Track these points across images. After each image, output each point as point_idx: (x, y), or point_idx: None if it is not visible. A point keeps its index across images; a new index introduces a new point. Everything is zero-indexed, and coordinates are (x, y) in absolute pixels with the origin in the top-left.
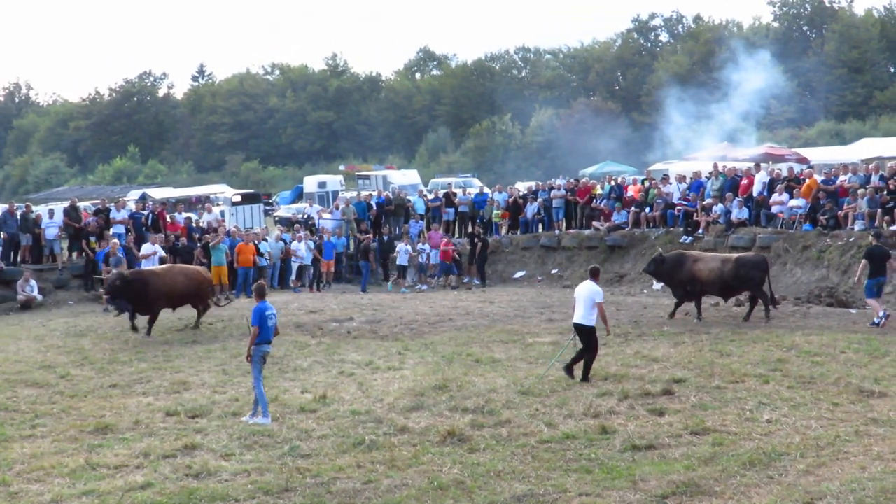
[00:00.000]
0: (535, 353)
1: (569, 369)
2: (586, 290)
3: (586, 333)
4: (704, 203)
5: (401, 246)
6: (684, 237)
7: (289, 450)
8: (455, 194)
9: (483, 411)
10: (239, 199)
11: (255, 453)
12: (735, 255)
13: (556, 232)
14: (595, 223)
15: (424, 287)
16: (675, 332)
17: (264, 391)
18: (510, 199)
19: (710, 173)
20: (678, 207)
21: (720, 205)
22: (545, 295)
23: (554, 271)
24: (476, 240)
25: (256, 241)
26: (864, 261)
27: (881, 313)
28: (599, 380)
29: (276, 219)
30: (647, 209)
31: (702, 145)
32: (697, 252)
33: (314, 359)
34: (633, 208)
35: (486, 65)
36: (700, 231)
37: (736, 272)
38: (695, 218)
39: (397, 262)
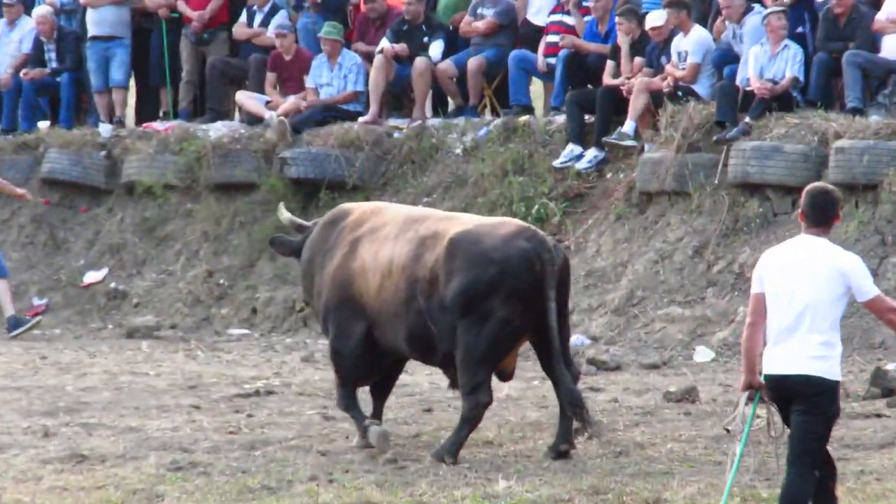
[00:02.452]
0: None
1: None
2: (823, 265)
3: (822, 404)
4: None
5: None
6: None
7: None
8: None
9: None
10: None
11: None
12: (457, 227)
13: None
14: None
15: None
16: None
17: None
18: None
19: None
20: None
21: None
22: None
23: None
24: None
25: None
26: None
27: None
28: None
29: None
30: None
31: None
32: (375, 207)
33: None
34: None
35: None
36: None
37: (435, 280)
38: (669, 81)
39: None
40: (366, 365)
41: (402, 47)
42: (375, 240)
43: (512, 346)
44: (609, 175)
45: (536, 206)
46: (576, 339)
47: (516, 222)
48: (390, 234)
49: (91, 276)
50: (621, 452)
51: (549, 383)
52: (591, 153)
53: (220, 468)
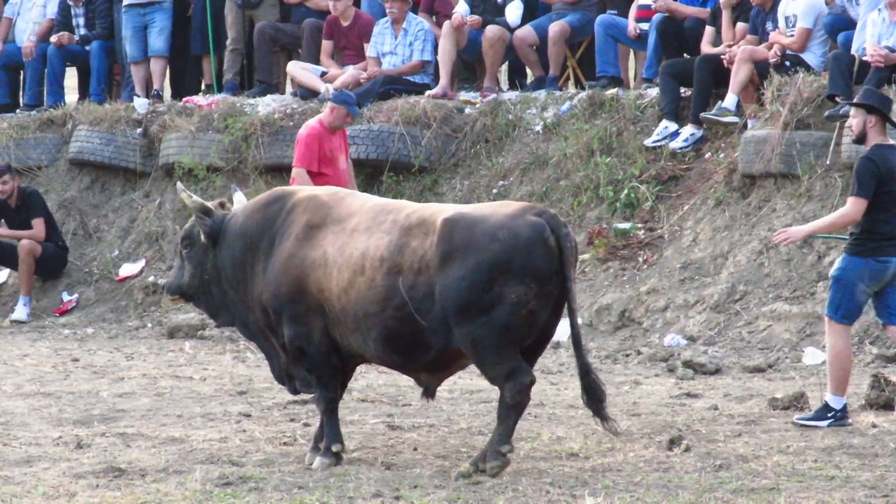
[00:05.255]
0: None
1: None
2: None
3: None
4: None
5: None
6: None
7: None
8: None
9: None
10: None
11: None
12: (450, 210)
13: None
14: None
15: None
16: None
17: None
18: None
19: None
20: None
21: None
22: None
23: None
24: None
25: None
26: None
27: None
28: None
29: None
30: None
31: None
32: (332, 192)
33: None
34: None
35: None
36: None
37: (425, 268)
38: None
39: None
40: (337, 362)
41: (473, 19)
42: (341, 231)
43: (530, 332)
44: (707, 155)
45: (626, 190)
46: (670, 339)
47: (521, 203)
48: (360, 226)
49: (127, 269)
50: (722, 466)
51: (641, 388)
52: (688, 131)
53: (273, 483)
